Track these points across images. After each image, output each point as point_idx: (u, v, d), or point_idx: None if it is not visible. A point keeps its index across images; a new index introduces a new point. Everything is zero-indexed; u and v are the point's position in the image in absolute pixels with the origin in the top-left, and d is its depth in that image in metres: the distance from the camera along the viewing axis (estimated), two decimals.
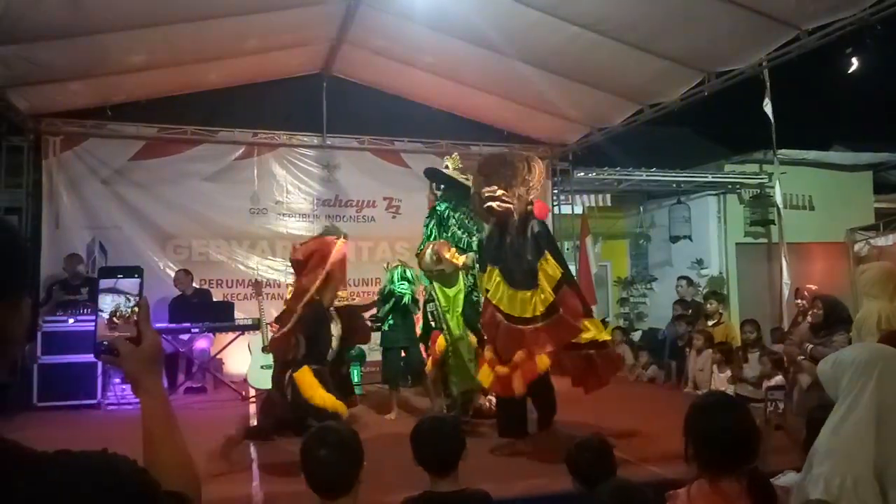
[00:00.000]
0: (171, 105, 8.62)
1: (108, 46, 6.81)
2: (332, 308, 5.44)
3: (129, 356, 1.12)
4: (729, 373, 6.88)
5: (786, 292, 8.39)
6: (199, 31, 7.01)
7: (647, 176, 10.51)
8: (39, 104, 7.92)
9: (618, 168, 10.42)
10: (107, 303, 1.17)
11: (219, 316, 7.89)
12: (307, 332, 4.86)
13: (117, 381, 7.12)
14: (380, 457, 3.48)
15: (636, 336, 10.70)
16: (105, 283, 1.18)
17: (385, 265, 6.90)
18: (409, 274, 6.63)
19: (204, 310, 7.93)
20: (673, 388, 7.98)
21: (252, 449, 5.18)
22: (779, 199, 8.92)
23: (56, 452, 0.82)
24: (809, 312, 6.50)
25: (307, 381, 4.76)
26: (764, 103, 7.45)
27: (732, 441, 1.99)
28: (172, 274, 8.34)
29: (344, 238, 5.28)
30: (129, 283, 1.18)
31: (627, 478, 2.35)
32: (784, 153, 9.77)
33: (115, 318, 1.17)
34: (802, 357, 5.69)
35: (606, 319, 10.79)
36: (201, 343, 8.02)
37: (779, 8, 5.73)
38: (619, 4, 6.17)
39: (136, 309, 1.17)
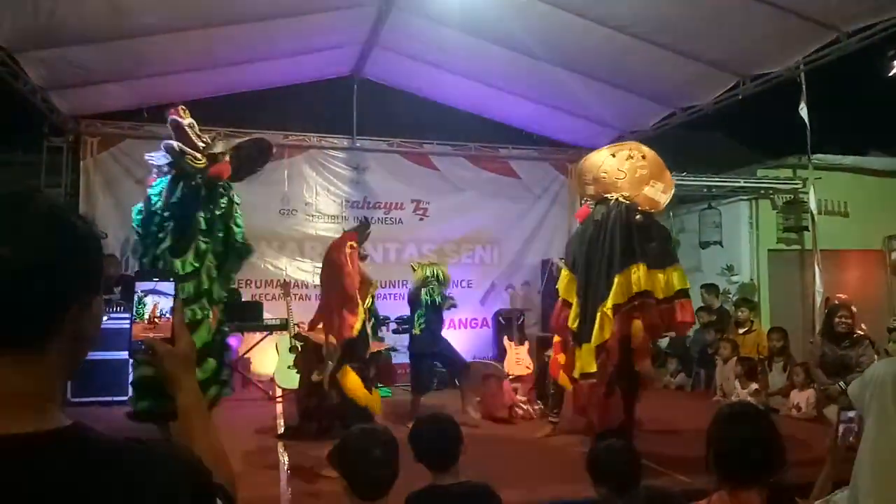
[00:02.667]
0: (205, 107, 8.69)
1: (146, 50, 6.96)
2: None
3: (166, 356, 1.15)
4: (753, 386, 6.73)
5: (818, 301, 8.22)
6: (234, 35, 7.12)
7: (676, 180, 10.30)
8: (79, 106, 8.12)
9: None
10: (145, 305, 1.20)
11: (247, 315, 7.99)
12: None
13: None
14: None
15: (663, 343, 10.57)
16: (142, 285, 1.21)
17: (412, 266, 6.83)
18: (437, 273, 6.49)
19: (233, 309, 8.01)
20: (701, 397, 7.87)
21: (281, 449, 5.24)
22: (813, 204, 8.74)
23: (127, 439, 0.86)
24: (836, 320, 6.33)
25: (350, 379, 4.78)
26: (799, 107, 7.32)
27: (753, 452, 1.95)
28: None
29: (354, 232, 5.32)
30: (165, 286, 1.22)
31: (660, 486, 2.32)
32: (819, 158, 9.57)
33: (155, 320, 1.20)
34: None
35: None
36: (230, 342, 8.12)
37: (819, 9, 5.62)
38: (653, 6, 6.12)
39: (172, 311, 1.20)
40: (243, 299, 8.47)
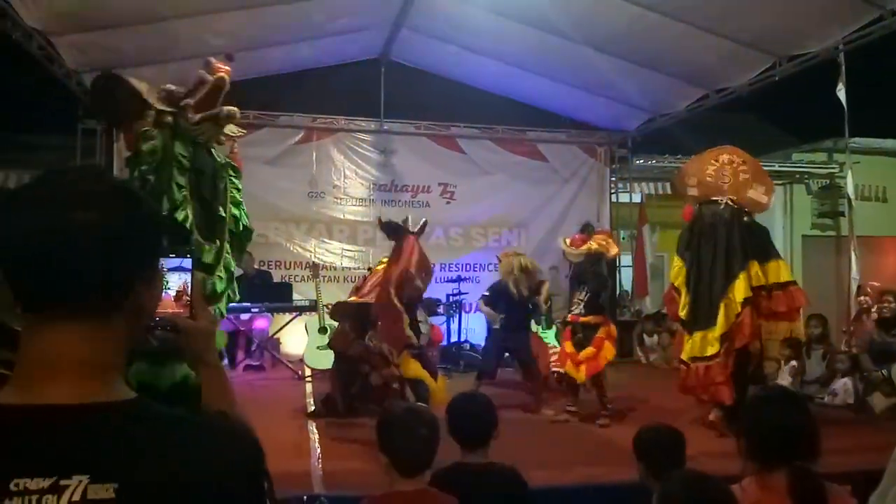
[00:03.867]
0: (234, 89, 8.75)
1: (178, 32, 7.03)
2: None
3: (189, 331, 1.17)
4: (793, 363, 6.61)
5: (854, 288, 8.05)
6: (264, 18, 7.16)
7: None
8: None
9: (679, 155, 10.12)
10: (169, 281, 1.21)
11: (278, 297, 8.10)
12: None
13: None
14: None
15: None
16: (165, 261, 1.21)
17: (498, 257, 6.69)
18: (525, 264, 6.19)
19: (264, 290, 8.13)
20: None
21: (312, 426, 5.32)
22: (850, 189, 8.52)
23: (187, 412, 0.88)
24: (874, 308, 6.22)
25: (412, 367, 5.18)
26: (837, 88, 7.11)
27: (784, 435, 1.93)
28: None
29: (414, 233, 5.31)
30: (184, 262, 1.22)
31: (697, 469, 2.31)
32: (857, 141, 9.32)
33: (184, 296, 1.21)
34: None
35: (662, 311, 10.58)
36: (260, 323, 8.25)
37: None
38: None
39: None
40: (273, 281, 8.59)
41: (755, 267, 5.07)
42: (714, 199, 5.24)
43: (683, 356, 5.30)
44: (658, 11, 6.40)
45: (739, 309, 5.00)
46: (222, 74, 3.72)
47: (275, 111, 9.12)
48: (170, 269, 1.22)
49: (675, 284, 5.50)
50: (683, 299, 5.31)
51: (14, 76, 7.11)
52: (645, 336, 9.52)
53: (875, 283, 7.85)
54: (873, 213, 9.87)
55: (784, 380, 6.58)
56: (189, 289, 1.21)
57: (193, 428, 0.85)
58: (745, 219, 5.17)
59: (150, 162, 3.60)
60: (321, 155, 9.35)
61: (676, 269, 5.54)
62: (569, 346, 5.66)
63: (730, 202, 5.19)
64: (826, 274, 10.36)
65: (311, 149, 9.30)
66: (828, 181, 10.19)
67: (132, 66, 7.70)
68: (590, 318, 5.60)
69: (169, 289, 1.21)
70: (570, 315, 5.75)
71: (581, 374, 5.52)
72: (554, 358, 6.69)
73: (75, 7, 5.89)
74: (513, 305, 6.09)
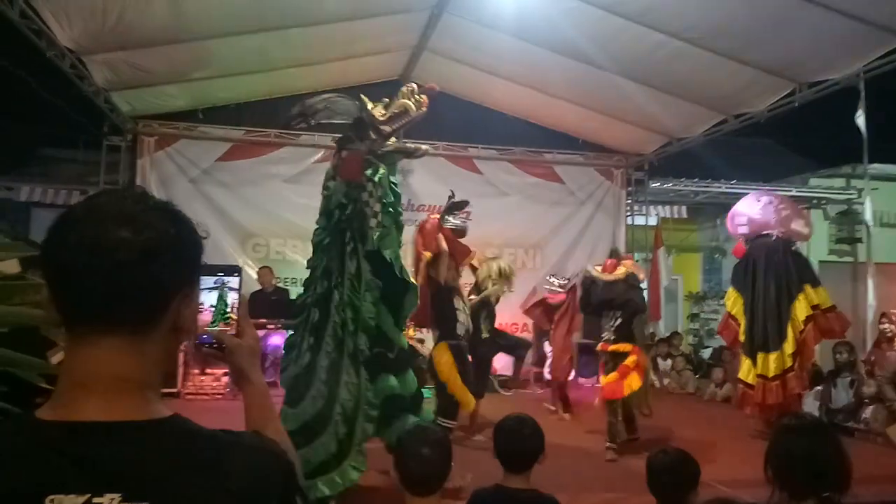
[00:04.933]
0: (258, 109, 8.98)
1: (203, 53, 7.17)
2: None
3: (235, 349, 1.17)
4: (819, 389, 6.55)
5: (870, 315, 7.98)
6: (288, 39, 7.29)
7: (725, 188, 10.19)
8: (139, 106, 8.40)
9: (695, 179, 10.16)
10: (212, 299, 1.22)
11: (294, 314, 8.12)
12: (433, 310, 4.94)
13: (196, 371, 7.45)
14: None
15: (706, 353, 10.40)
16: (207, 280, 1.22)
17: (472, 265, 6.60)
18: (501, 269, 6.28)
19: (280, 307, 8.18)
20: None
21: None
22: (868, 215, 8.48)
23: (221, 431, 0.89)
24: None
25: (445, 361, 4.96)
26: (857, 115, 7.12)
27: (812, 465, 1.92)
28: (250, 271, 8.64)
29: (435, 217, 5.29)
30: (230, 281, 1.24)
31: (728, 497, 2.30)
32: (875, 167, 9.29)
33: (232, 314, 1.22)
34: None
35: (678, 332, 10.54)
36: (275, 339, 8.29)
37: (883, 15, 5.48)
38: (709, 12, 6.04)
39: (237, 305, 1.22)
40: (291, 297, 8.62)
41: (809, 289, 5.71)
42: (765, 233, 5.89)
43: (742, 377, 5.88)
44: (681, 38, 6.45)
45: (803, 326, 5.62)
46: (424, 109, 3.82)
47: (295, 130, 9.22)
48: (214, 288, 1.23)
49: (733, 313, 6.05)
50: (742, 325, 5.87)
51: (45, 93, 7.26)
52: (659, 360, 9.47)
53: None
54: (891, 240, 9.81)
55: (810, 407, 6.50)
56: (228, 306, 1.22)
57: (227, 446, 0.86)
58: (793, 248, 5.89)
59: (372, 188, 3.72)
60: None
61: (733, 300, 6.13)
62: (604, 379, 5.45)
63: (779, 234, 5.84)
64: (843, 300, 10.16)
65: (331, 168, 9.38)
66: (845, 207, 10.15)
67: (158, 85, 7.90)
68: (619, 346, 5.40)
69: (213, 307, 1.22)
70: (602, 343, 5.50)
71: (614, 391, 5.32)
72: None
73: (108, 28, 6.03)
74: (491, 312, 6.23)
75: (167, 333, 0.89)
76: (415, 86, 3.90)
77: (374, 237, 3.81)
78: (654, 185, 10.21)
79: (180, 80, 7.95)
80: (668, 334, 10.17)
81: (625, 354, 5.39)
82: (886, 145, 9.29)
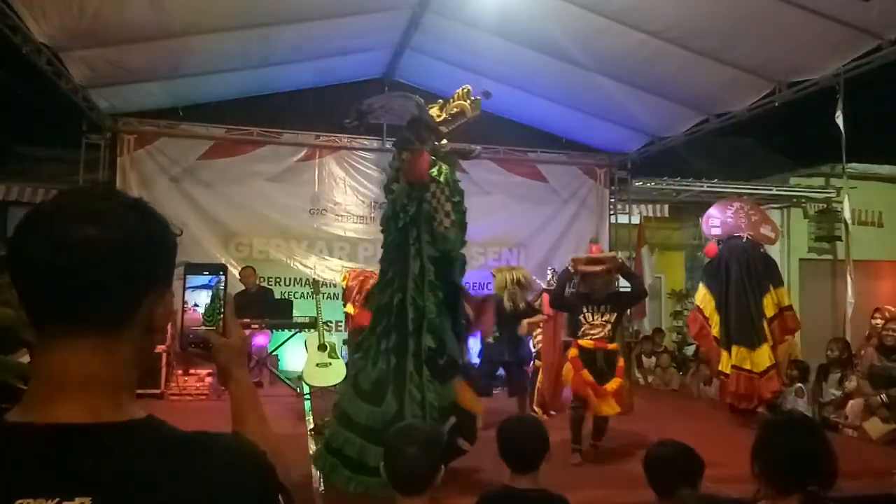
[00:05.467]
0: (239, 107, 8.90)
1: (183, 50, 7.09)
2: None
3: (221, 348, 1.16)
4: (798, 385, 6.64)
5: (849, 311, 8.09)
6: (269, 37, 7.22)
7: (707, 187, 10.27)
8: (118, 104, 8.29)
9: (677, 178, 10.23)
10: (196, 298, 1.21)
11: (278, 313, 8.08)
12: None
13: (179, 372, 7.37)
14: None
15: (690, 350, 10.48)
16: (193, 279, 1.21)
17: (493, 272, 6.72)
18: (519, 278, 6.26)
19: (264, 307, 8.12)
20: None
21: (311, 443, 5.28)
22: (847, 214, 8.59)
23: (197, 432, 0.87)
24: (882, 332, 6.27)
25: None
26: (836, 115, 7.20)
27: (798, 461, 1.94)
28: (233, 271, 8.58)
29: None
30: (214, 279, 1.22)
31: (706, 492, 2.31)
32: (854, 167, 9.43)
33: (207, 314, 1.21)
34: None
35: (661, 328, 10.61)
36: (259, 339, 8.23)
37: (861, 16, 5.55)
38: (690, 11, 6.08)
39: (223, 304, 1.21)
40: (274, 297, 8.58)
41: (772, 290, 6.11)
42: (736, 235, 6.30)
43: (722, 368, 6.15)
44: (662, 38, 6.49)
45: (770, 324, 6.08)
46: (479, 112, 3.83)
47: (279, 128, 9.18)
48: (200, 287, 1.22)
49: (702, 308, 6.38)
50: (715, 320, 6.20)
51: (22, 90, 7.15)
52: (643, 357, 9.53)
53: (892, 308, 7.93)
54: (870, 238, 9.95)
55: (791, 403, 6.59)
56: (211, 304, 1.21)
57: (202, 448, 0.85)
58: (761, 250, 6.27)
59: (436, 188, 3.71)
60: (323, 172, 9.40)
61: (702, 295, 6.47)
62: (587, 375, 4.92)
63: (749, 237, 6.25)
64: (822, 297, 10.41)
65: (313, 166, 9.35)
66: (825, 205, 10.28)
67: (137, 82, 7.80)
68: (616, 346, 5.08)
69: (197, 306, 1.21)
70: (590, 339, 4.98)
71: (611, 408, 4.94)
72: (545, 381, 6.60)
73: (85, 23, 5.93)
74: (507, 319, 6.15)
75: (140, 332, 0.87)
76: (469, 87, 3.94)
77: (445, 236, 3.83)
78: (636, 183, 10.27)
79: (160, 78, 7.85)
80: (651, 331, 10.24)
81: (616, 353, 5.08)
82: (865, 145, 9.43)
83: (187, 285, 1.23)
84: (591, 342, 4.98)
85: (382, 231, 4.22)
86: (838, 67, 6.38)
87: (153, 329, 0.89)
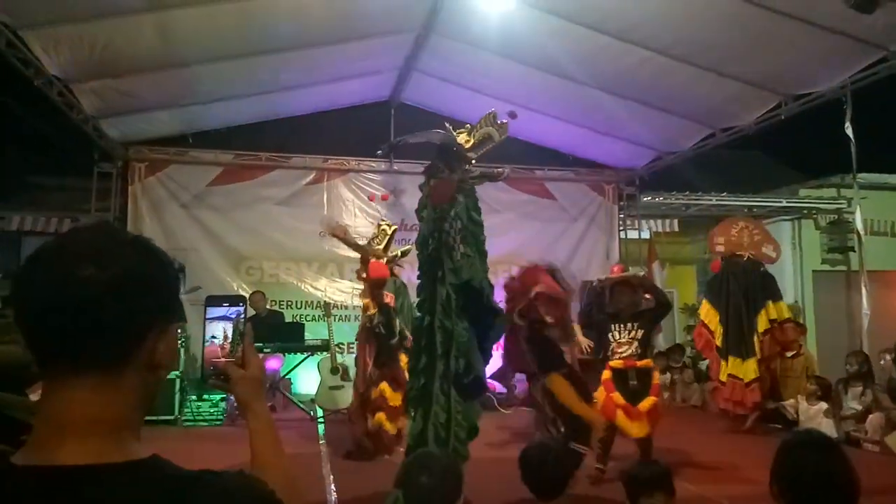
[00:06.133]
0: (248, 132, 9.00)
1: (192, 78, 7.19)
2: None
3: (240, 381, 1.16)
4: (823, 405, 6.52)
5: (865, 322, 7.99)
6: (276, 63, 7.32)
7: (716, 201, 10.25)
8: (128, 133, 8.40)
9: (686, 192, 10.21)
10: (216, 330, 1.22)
11: (289, 336, 8.07)
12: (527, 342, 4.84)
13: (193, 397, 7.36)
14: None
15: (704, 364, 10.36)
16: (213, 311, 1.22)
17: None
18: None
19: (275, 330, 8.12)
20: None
21: (326, 468, 5.26)
22: (859, 224, 8.52)
23: (203, 472, 0.86)
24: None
25: (561, 386, 4.73)
26: (845, 126, 7.18)
27: (817, 481, 1.89)
28: (245, 295, 8.60)
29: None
30: (234, 311, 1.23)
31: None
32: (864, 177, 9.35)
33: (224, 345, 1.22)
34: None
35: (679, 344, 10.52)
36: (272, 363, 8.21)
37: (865, 29, 5.55)
38: (693, 28, 6.11)
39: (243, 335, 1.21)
40: (285, 320, 8.58)
41: (770, 305, 6.46)
42: (738, 253, 6.65)
43: (721, 377, 6.47)
44: (667, 55, 6.52)
45: (762, 338, 6.42)
46: (506, 135, 3.92)
47: (287, 153, 9.26)
48: (218, 318, 1.23)
49: (706, 322, 6.68)
50: (719, 332, 6.52)
51: (34, 121, 7.27)
52: (656, 374, 9.41)
53: None
54: (883, 248, 9.86)
55: (814, 422, 6.37)
56: (232, 336, 1.22)
57: (206, 489, 0.83)
58: (762, 269, 6.61)
59: (451, 221, 3.79)
60: (332, 195, 9.46)
61: (706, 310, 6.80)
62: (618, 397, 4.83)
63: (750, 256, 6.60)
64: (837, 308, 10.30)
65: (322, 189, 9.41)
66: (836, 216, 10.21)
67: (147, 111, 7.91)
68: (648, 362, 5.00)
69: (214, 338, 1.22)
70: (619, 359, 4.92)
71: (641, 429, 4.81)
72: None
73: (96, 55, 6.04)
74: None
75: (143, 370, 0.87)
76: (496, 112, 4.02)
77: (457, 268, 3.90)
78: (645, 199, 10.26)
79: (170, 106, 7.96)
80: (666, 347, 10.15)
81: (650, 371, 4.95)
82: (874, 155, 9.38)
83: (207, 316, 1.24)
84: (621, 362, 4.92)
85: (418, 255, 4.29)
86: (844, 79, 6.37)
87: (156, 365, 0.89)
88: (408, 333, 5.43)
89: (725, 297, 6.58)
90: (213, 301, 1.25)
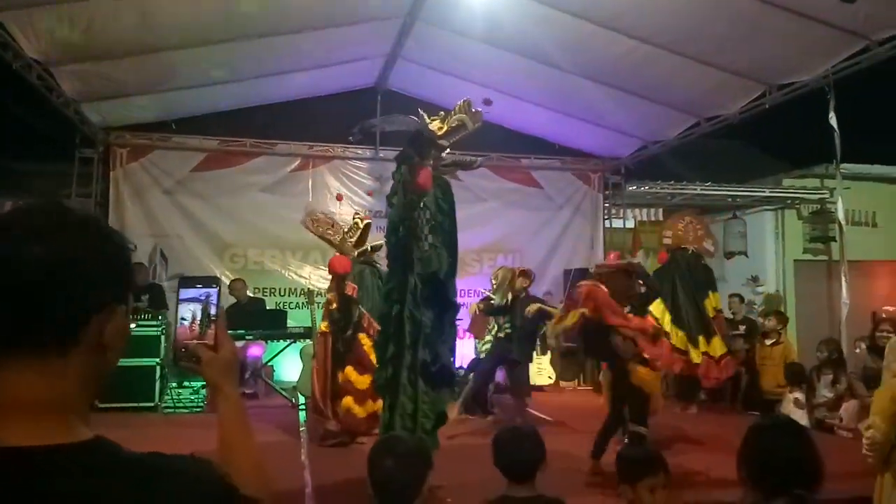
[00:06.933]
0: (232, 118, 8.92)
1: (175, 63, 7.11)
2: None
3: (210, 363, 1.15)
4: (797, 394, 6.61)
5: (844, 311, 8.09)
6: (260, 48, 7.25)
7: (701, 190, 10.29)
8: (110, 118, 8.30)
9: (671, 181, 10.25)
10: (188, 311, 1.20)
11: (272, 324, 8.06)
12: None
13: (174, 384, 7.34)
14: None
15: None
16: (186, 292, 1.20)
17: (496, 275, 7.21)
18: (502, 275, 6.77)
19: (258, 318, 8.11)
20: (735, 411, 7.75)
21: (304, 455, 5.26)
22: (841, 214, 8.60)
23: (149, 454, 0.85)
24: (876, 333, 6.28)
25: (645, 373, 4.97)
26: (829, 116, 7.23)
27: (784, 464, 1.93)
28: (226, 282, 8.54)
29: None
30: (204, 293, 1.21)
31: None
32: (847, 167, 9.39)
33: (193, 326, 1.20)
34: None
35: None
36: (254, 350, 8.21)
37: (847, 19, 5.58)
38: (678, 17, 6.11)
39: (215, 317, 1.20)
40: (267, 308, 8.56)
41: (711, 295, 6.70)
42: (684, 247, 6.92)
43: (695, 360, 6.46)
44: (651, 43, 6.53)
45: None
46: (480, 123, 3.88)
47: (272, 139, 9.19)
48: (191, 300, 1.21)
49: (652, 310, 6.61)
50: (667, 318, 6.53)
51: (13, 105, 7.16)
52: None
53: (890, 309, 8.00)
54: (864, 238, 9.96)
55: (790, 411, 6.49)
56: (205, 318, 1.20)
57: (154, 472, 0.82)
58: (703, 261, 6.92)
59: (420, 211, 3.78)
60: (317, 182, 9.41)
61: (662, 310, 6.74)
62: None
63: (694, 249, 6.91)
64: (818, 298, 10.41)
65: (307, 176, 9.36)
66: (819, 206, 10.30)
67: (130, 96, 7.81)
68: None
69: (184, 319, 1.20)
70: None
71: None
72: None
73: (75, 38, 5.95)
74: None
75: (90, 352, 0.85)
76: (470, 100, 3.98)
77: (424, 258, 3.89)
78: (630, 188, 10.29)
79: (152, 91, 7.87)
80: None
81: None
82: (857, 145, 9.44)
83: (180, 298, 1.22)
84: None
85: (386, 242, 4.26)
86: (827, 69, 6.40)
87: (105, 347, 0.87)
88: (374, 321, 5.45)
89: (672, 287, 6.79)
90: (187, 282, 1.24)
